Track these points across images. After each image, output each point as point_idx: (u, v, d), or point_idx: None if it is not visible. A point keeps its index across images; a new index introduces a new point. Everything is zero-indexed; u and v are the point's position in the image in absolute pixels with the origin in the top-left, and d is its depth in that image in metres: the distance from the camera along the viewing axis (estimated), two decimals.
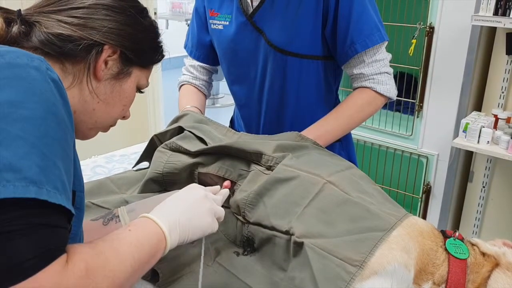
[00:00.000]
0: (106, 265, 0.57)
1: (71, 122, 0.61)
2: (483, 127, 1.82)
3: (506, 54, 1.91)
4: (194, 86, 1.38)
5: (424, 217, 2.26)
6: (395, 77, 2.25)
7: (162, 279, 0.87)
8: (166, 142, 1.15)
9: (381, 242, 0.79)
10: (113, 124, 0.83)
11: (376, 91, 1.17)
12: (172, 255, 0.91)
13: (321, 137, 1.14)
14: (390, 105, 2.26)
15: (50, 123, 0.55)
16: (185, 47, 1.39)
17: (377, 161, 2.36)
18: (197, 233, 0.74)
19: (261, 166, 1.03)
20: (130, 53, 0.75)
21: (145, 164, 1.29)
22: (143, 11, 0.79)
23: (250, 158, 1.05)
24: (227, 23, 1.23)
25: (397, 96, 2.21)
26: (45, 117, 0.55)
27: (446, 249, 0.82)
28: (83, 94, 0.72)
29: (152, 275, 0.89)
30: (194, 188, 0.81)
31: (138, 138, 2.45)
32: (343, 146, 1.31)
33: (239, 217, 0.99)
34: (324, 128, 1.16)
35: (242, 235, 0.98)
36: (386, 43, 1.16)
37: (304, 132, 1.15)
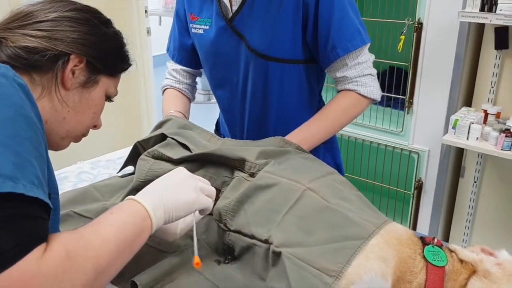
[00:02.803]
0: (88, 246, 0.59)
1: (41, 125, 0.63)
2: (472, 123, 1.81)
3: (495, 49, 1.90)
4: (177, 90, 1.38)
5: (416, 212, 2.26)
6: (384, 73, 2.26)
7: None
8: (149, 150, 1.14)
9: (358, 251, 0.79)
10: (85, 134, 0.86)
11: (359, 94, 1.16)
12: (152, 264, 0.92)
13: (305, 140, 1.13)
14: (381, 101, 2.26)
15: (20, 124, 0.57)
16: (167, 51, 1.38)
17: (369, 157, 2.35)
18: (181, 209, 0.76)
19: (244, 172, 1.03)
20: (96, 61, 0.78)
21: (130, 168, 1.29)
22: (107, 21, 0.82)
23: (234, 165, 1.04)
24: (207, 27, 1.22)
25: (387, 92, 2.22)
26: (14, 118, 0.57)
27: (424, 257, 0.82)
28: (53, 103, 0.75)
29: (132, 286, 0.88)
30: (178, 170, 0.83)
31: (133, 138, 2.45)
32: (327, 148, 1.30)
33: (221, 224, 0.98)
34: (308, 132, 1.15)
35: (224, 243, 0.97)
36: (368, 45, 1.15)
37: (288, 137, 1.14)
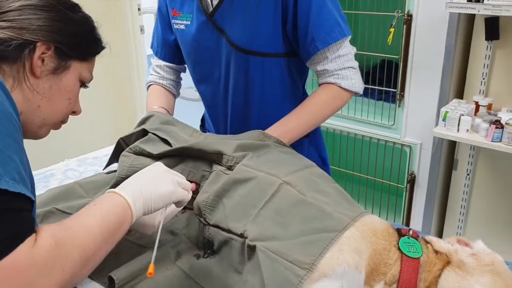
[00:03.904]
0: (74, 236, 0.63)
1: (18, 118, 0.65)
2: (462, 115, 1.80)
3: (486, 39, 1.89)
4: (161, 86, 1.37)
5: (409, 206, 2.25)
6: (376, 66, 2.24)
7: (118, 285, 0.87)
8: (130, 146, 1.15)
9: (332, 243, 0.79)
10: (64, 120, 0.86)
11: (340, 87, 1.15)
12: (131, 259, 0.92)
13: (285, 134, 1.13)
14: (372, 95, 2.25)
15: (1, 120, 0.59)
16: (151, 47, 1.38)
17: (361, 151, 2.34)
18: (160, 201, 0.78)
19: (222, 166, 1.03)
20: (65, 47, 0.78)
21: (116, 165, 1.29)
22: (74, 6, 0.81)
23: (212, 158, 1.05)
24: (189, 22, 1.21)
25: (379, 85, 2.21)
26: None
27: (399, 248, 0.81)
28: (24, 93, 0.75)
29: (110, 282, 0.89)
30: (157, 165, 0.86)
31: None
32: (312, 142, 1.30)
33: (201, 219, 0.99)
34: (288, 126, 1.15)
35: (204, 237, 0.97)
36: (349, 37, 1.14)
37: (269, 130, 1.14)
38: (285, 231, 0.83)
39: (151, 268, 0.74)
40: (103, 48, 0.87)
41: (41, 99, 0.77)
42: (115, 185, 1.11)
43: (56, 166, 1.41)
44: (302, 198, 0.88)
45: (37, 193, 1.21)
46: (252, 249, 0.83)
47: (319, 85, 1.19)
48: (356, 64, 1.17)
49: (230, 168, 1.01)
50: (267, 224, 0.85)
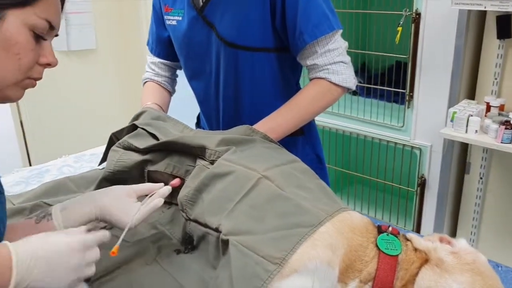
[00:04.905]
0: None
1: None
2: (471, 115, 1.74)
3: (497, 38, 1.82)
4: (156, 83, 1.37)
5: (420, 210, 2.18)
6: (384, 67, 2.19)
7: (93, 278, 0.86)
8: (120, 141, 1.15)
9: (305, 238, 0.76)
10: (32, 75, 0.72)
11: (330, 82, 1.12)
12: (108, 253, 0.91)
13: (273, 129, 1.11)
14: (381, 95, 2.20)
15: None
16: (147, 44, 1.39)
17: (371, 154, 2.29)
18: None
19: (205, 160, 1.02)
20: None
21: None
22: None
23: (195, 152, 1.03)
24: (180, 18, 1.21)
25: (388, 85, 2.16)
26: None
27: (377, 245, 0.78)
28: None
29: None
30: (68, 236, 0.67)
31: None
32: (307, 140, 1.27)
33: (183, 214, 0.97)
34: (276, 121, 1.12)
35: (185, 233, 0.96)
36: (339, 31, 1.12)
37: (257, 125, 1.12)
38: (260, 225, 0.81)
39: (114, 248, 0.73)
40: None
41: None
42: (102, 180, 1.11)
43: (53, 162, 1.42)
44: (280, 193, 0.86)
45: (30, 188, 1.23)
46: (226, 243, 0.81)
47: (310, 80, 1.17)
48: (348, 58, 1.14)
49: (212, 162, 1.00)
50: (242, 219, 0.83)
